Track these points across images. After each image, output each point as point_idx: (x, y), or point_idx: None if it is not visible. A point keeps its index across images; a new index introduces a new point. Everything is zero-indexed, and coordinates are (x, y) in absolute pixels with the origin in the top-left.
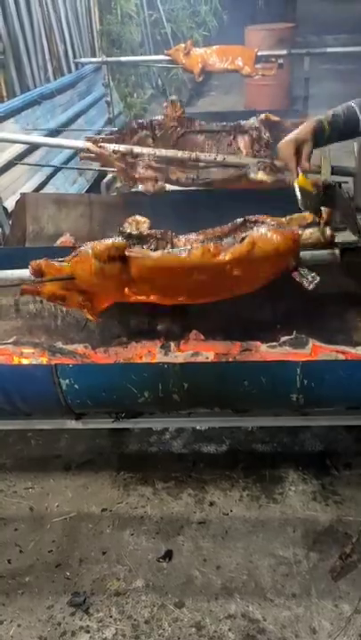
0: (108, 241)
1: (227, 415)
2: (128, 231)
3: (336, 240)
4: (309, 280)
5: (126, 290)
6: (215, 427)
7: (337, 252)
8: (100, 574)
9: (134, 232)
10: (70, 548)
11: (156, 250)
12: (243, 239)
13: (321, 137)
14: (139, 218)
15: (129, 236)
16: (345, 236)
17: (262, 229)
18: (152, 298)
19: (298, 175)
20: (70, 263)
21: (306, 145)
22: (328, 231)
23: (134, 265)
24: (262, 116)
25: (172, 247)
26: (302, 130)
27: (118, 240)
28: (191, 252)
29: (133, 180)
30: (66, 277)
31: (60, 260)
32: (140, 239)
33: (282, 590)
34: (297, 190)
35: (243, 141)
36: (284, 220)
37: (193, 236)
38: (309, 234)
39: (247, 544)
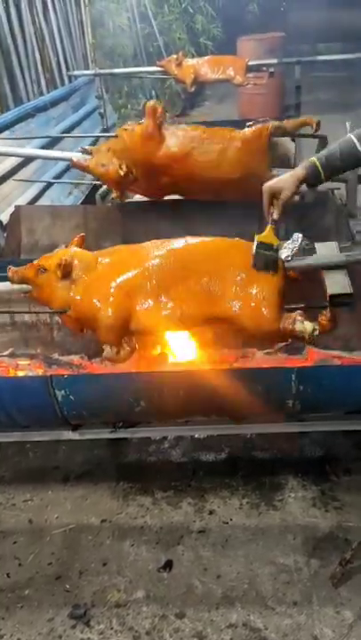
0: None
1: (225, 423)
2: None
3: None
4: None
5: None
6: (213, 435)
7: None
8: (101, 586)
9: None
10: (70, 560)
11: None
12: None
13: (317, 178)
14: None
15: None
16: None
17: None
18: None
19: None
20: None
21: (283, 193)
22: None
23: None
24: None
25: None
26: (286, 178)
27: None
28: None
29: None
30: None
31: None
32: None
33: (283, 598)
34: (254, 245)
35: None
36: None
37: None
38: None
39: (247, 552)
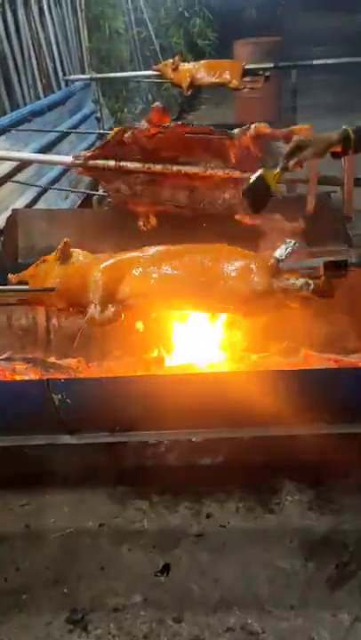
0: None
1: (221, 426)
2: None
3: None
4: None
5: None
6: (210, 438)
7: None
8: (99, 590)
9: None
10: (68, 565)
11: None
12: None
13: (346, 145)
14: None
15: None
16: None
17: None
18: None
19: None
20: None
21: (309, 150)
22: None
23: None
24: (252, 130)
25: None
26: (319, 138)
27: None
28: None
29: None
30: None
31: None
32: None
33: (280, 601)
34: (255, 175)
35: (232, 150)
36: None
37: None
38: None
39: (245, 556)
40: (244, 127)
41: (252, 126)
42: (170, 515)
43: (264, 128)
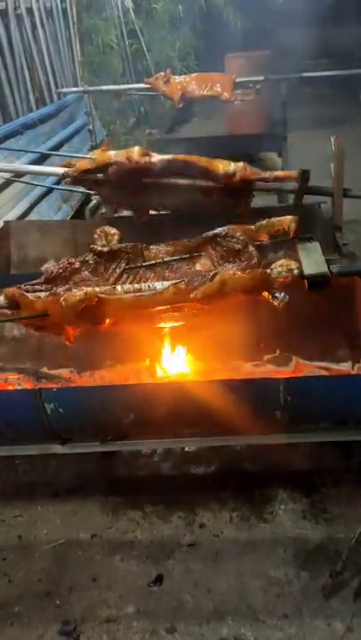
0: (79, 293)
1: (214, 435)
2: (99, 249)
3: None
4: (279, 299)
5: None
6: (203, 447)
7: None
8: (91, 601)
9: (105, 249)
10: (60, 576)
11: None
12: (213, 277)
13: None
14: (108, 229)
15: (100, 254)
16: (313, 266)
17: (231, 270)
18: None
19: None
20: (45, 302)
21: None
22: (295, 267)
23: (107, 306)
24: (237, 176)
25: (144, 261)
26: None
27: (88, 290)
28: (163, 292)
29: (116, 205)
30: (40, 315)
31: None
32: (111, 255)
33: (274, 611)
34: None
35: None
36: (252, 227)
37: (163, 248)
38: (278, 272)
39: (238, 565)
40: (229, 171)
41: (238, 173)
42: (163, 525)
43: (250, 174)
